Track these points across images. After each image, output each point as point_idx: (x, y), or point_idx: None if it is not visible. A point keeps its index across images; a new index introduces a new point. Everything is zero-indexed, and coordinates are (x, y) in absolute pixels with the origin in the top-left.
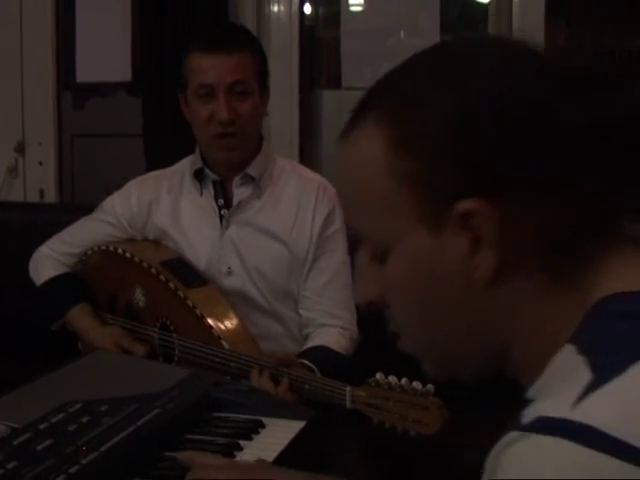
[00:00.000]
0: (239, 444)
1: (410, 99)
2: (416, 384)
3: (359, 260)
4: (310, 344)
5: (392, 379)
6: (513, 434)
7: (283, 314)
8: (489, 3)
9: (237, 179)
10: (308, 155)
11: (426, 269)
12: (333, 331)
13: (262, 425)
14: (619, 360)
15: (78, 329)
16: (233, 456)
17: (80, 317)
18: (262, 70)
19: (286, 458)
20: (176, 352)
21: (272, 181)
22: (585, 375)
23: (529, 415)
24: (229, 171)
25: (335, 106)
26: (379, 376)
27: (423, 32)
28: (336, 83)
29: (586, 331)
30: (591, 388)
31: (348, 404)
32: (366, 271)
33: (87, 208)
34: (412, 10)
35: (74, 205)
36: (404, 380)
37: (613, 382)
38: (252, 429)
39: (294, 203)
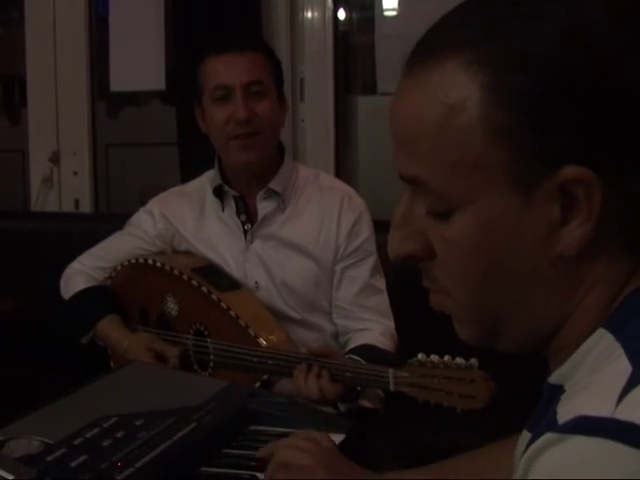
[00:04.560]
0: None
1: (506, 41)
2: (459, 360)
3: (401, 209)
4: (354, 344)
5: (434, 357)
6: (550, 436)
7: (313, 323)
8: None
9: (261, 193)
10: (343, 161)
11: (501, 233)
12: (374, 332)
13: None
14: None
15: (108, 340)
16: None
17: (109, 328)
18: (278, 75)
19: None
20: (211, 357)
21: (296, 193)
22: (625, 368)
23: (566, 413)
24: (249, 183)
25: (370, 112)
26: (421, 356)
27: None
28: (371, 88)
29: (621, 316)
30: (633, 383)
31: (392, 387)
32: (413, 222)
33: (122, 217)
34: None
35: (109, 215)
36: (447, 357)
37: None
38: None
39: (318, 215)
